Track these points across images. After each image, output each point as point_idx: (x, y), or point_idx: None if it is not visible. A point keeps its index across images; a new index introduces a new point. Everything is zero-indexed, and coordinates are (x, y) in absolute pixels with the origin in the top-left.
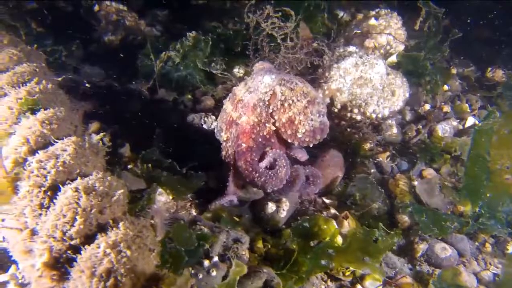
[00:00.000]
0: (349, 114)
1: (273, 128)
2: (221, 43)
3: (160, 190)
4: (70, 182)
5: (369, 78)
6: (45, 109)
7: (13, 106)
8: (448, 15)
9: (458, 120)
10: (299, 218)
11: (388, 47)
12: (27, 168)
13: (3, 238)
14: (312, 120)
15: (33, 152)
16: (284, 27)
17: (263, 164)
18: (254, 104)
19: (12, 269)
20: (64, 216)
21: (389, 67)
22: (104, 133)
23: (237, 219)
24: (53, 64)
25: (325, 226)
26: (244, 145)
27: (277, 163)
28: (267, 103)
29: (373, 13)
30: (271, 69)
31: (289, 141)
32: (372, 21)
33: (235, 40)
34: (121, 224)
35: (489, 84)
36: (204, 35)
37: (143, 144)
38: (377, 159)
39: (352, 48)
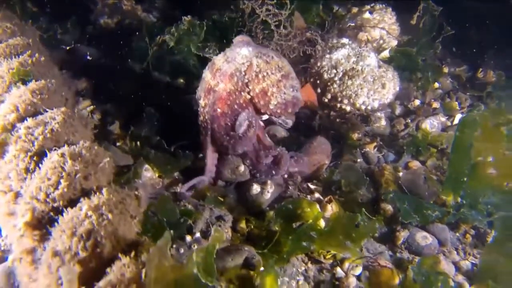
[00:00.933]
0: (338, 105)
1: (249, 97)
2: (216, 30)
3: (146, 166)
4: (57, 149)
5: (360, 69)
6: (36, 81)
7: (4, 76)
8: (442, 14)
9: (447, 117)
10: (283, 201)
11: (381, 42)
12: (14, 133)
13: None
14: (285, 93)
15: (22, 119)
16: (279, 14)
17: (237, 127)
18: (231, 73)
19: None
20: (49, 179)
21: (381, 61)
22: (94, 106)
23: (221, 199)
24: (48, 41)
25: (308, 209)
26: (219, 110)
27: (246, 123)
28: (243, 73)
29: (368, 7)
30: (250, 42)
31: (262, 111)
32: (367, 15)
33: (230, 27)
34: (104, 189)
35: (480, 83)
36: (200, 20)
37: (134, 124)
38: (364, 149)
39: (345, 40)
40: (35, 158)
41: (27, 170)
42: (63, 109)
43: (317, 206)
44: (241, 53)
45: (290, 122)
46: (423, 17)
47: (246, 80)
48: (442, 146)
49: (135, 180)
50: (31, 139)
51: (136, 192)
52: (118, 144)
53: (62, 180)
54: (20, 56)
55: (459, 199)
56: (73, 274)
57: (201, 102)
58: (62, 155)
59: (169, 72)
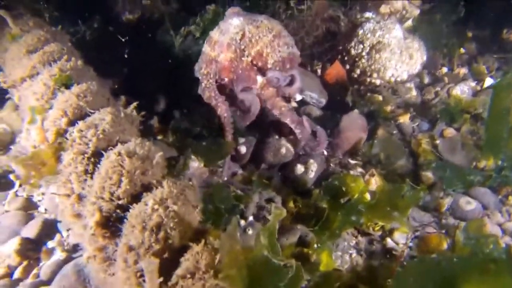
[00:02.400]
0: (368, 79)
1: (249, 60)
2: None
3: (192, 156)
4: (112, 148)
5: (387, 42)
6: (78, 84)
7: (48, 83)
8: None
9: (476, 81)
10: (328, 178)
11: (404, 12)
12: (68, 138)
13: (45, 209)
14: (279, 51)
15: (72, 123)
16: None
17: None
18: (228, 43)
19: (58, 237)
20: (110, 178)
21: (406, 32)
22: (136, 103)
23: (267, 181)
24: (77, 43)
25: (353, 184)
26: (226, 78)
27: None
28: (238, 41)
29: None
30: (240, 11)
31: (263, 70)
32: None
33: (253, 10)
34: (164, 182)
35: (506, 44)
36: (223, 7)
37: (168, 116)
38: (398, 121)
39: (368, 14)
40: (92, 160)
41: (86, 172)
42: (109, 109)
43: (362, 180)
44: (233, 23)
45: (323, 101)
46: None
47: (243, 47)
48: (476, 111)
49: (185, 171)
50: (85, 141)
51: (191, 182)
52: (158, 137)
53: (123, 178)
54: (58, 62)
55: (499, 162)
56: (153, 266)
57: (203, 71)
58: (119, 153)
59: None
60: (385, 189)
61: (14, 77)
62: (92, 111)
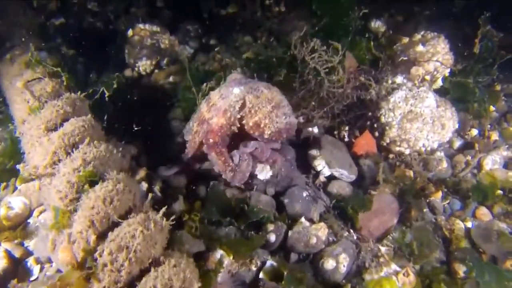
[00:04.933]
0: (397, 148)
1: (236, 130)
2: (263, 71)
3: (222, 252)
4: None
5: (420, 112)
6: (102, 179)
7: (71, 179)
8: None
9: (507, 146)
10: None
11: (435, 73)
12: (99, 259)
13: None
14: (277, 122)
15: (102, 237)
16: (330, 61)
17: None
18: (225, 109)
19: None
20: None
21: (437, 95)
22: (165, 208)
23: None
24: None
25: (388, 287)
26: (211, 140)
27: (241, 158)
28: (237, 109)
29: (418, 36)
30: (241, 80)
31: (259, 140)
32: (420, 48)
33: (277, 68)
34: None
35: None
36: (247, 65)
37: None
38: (429, 199)
39: (399, 79)
40: None
41: None
42: (139, 218)
43: (397, 283)
44: (233, 92)
45: (353, 177)
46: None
47: (239, 116)
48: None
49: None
50: (117, 267)
51: None
52: (184, 219)
53: None
54: (80, 147)
55: None
56: None
57: (194, 128)
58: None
59: None
60: None
61: (35, 162)
62: (121, 221)
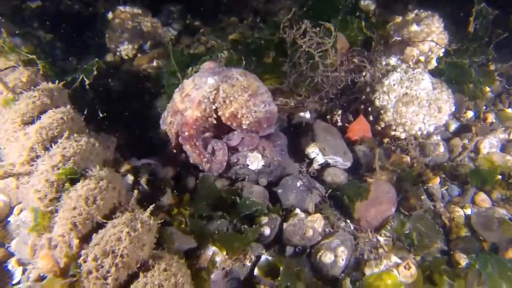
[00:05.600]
0: (393, 133)
1: (214, 121)
2: (251, 54)
3: (214, 249)
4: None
5: (415, 95)
6: (84, 176)
7: (51, 178)
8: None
9: (504, 128)
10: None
11: (429, 53)
12: (83, 266)
13: None
14: (255, 111)
15: (85, 240)
16: (322, 44)
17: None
18: (199, 101)
19: None
20: None
21: (431, 76)
22: (152, 206)
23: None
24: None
25: (389, 281)
26: (186, 133)
27: (215, 148)
28: (211, 100)
29: (412, 15)
30: (215, 69)
31: (238, 131)
32: (414, 27)
33: (266, 50)
34: None
35: None
36: (235, 48)
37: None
38: (426, 185)
39: (393, 60)
40: None
41: None
42: (124, 219)
43: (398, 277)
44: (207, 82)
45: (348, 164)
46: (476, 21)
47: (214, 107)
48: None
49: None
50: (103, 274)
51: None
52: (173, 213)
53: None
54: (59, 142)
55: None
56: None
57: (168, 119)
58: None
59: None
60: None
61: (11, 159)
62: (105, 221)
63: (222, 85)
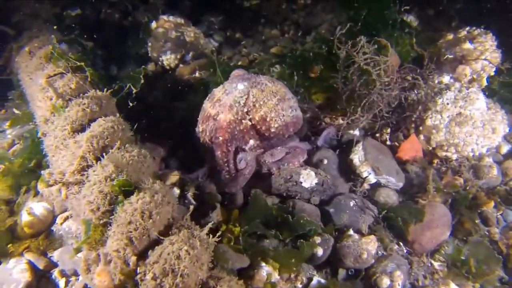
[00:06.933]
0: (444, 153)
1: (249, 123)
2: (299, 67)
3: (267, 269)
4: None
5: (470, 115)
6: (138, 189)
7: (104, 189)
8: None
9: None
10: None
11: (481, 72)
12: (141, 285)
13: None
14: (283, 115)
15: (142, 256)
16: (379, 62)
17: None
18: (231, 104)
19: None
20: None
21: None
22: (210, 224)
23: None
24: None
25: None
26: (221, 138)
27: (244, 161)
28: (242, 104)
29: (464, 32)
30: (244, 75)
31: (266, 134)
32: (467, 45)
33: (313, 63)
34: None
35: None
36: (283, 61)
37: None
38: (480, 209)
39: (446, 79)
40: None
41: None
42: (182, 235)
43: None
44: (238, 88)
45: (400, 184)
46: None
47: (246, 110)
48: None
49: None
50: None
51: None
52: (221, 230)
53: None
54: (110, 152)
55: None
56: None
57: (200, 127)
58: None
59: None
60: None
61: (61, 167)
62: (161, 237)
63: (252, 90)
